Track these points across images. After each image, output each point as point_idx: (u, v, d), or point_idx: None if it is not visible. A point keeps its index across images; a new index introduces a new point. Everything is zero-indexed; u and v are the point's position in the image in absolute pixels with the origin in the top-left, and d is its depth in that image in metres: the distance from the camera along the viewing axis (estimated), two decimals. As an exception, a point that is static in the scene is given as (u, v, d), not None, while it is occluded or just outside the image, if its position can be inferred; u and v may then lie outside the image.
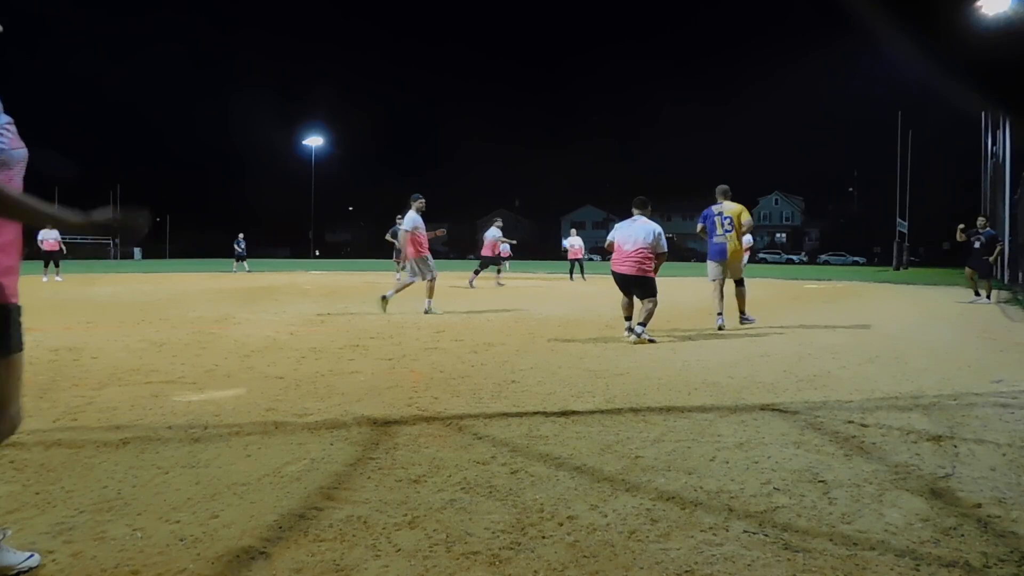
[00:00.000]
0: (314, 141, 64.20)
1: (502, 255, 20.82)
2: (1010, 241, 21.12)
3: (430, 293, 10.37)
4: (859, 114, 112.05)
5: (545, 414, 4.18)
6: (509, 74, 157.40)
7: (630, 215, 7.82)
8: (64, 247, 21.36)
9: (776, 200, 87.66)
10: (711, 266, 8.98)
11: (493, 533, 2.43)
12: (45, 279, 19.10)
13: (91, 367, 5.66)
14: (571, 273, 22.00)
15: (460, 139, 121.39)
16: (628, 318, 7.70)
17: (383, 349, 6.78)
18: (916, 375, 5.54)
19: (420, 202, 10.49)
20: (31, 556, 2.16)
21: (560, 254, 28.20)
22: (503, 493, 2.83)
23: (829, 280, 24.74)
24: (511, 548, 2.31)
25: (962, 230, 13.95)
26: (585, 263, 22.03)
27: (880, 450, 3.48)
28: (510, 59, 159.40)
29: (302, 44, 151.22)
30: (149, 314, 10.23)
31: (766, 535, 2.42)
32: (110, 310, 10.94)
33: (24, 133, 2.02)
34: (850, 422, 4.03)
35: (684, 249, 68.37)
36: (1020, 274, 19.74)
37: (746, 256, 10.18)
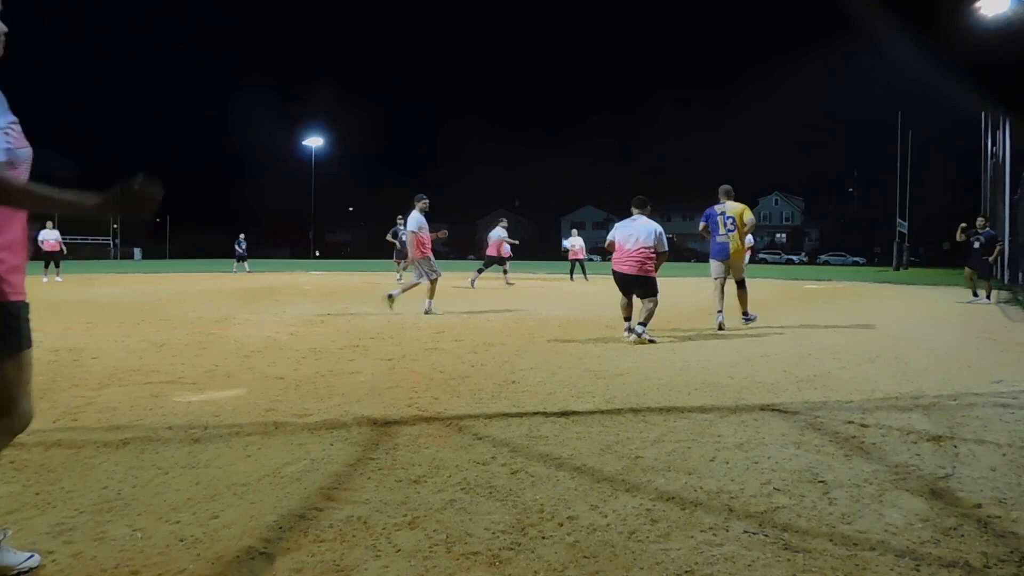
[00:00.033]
0: (314, 142, 64.19)
1: (504, 255, 20.82)
2: (1010, 241, 21.13)
3: (431, 294, 10.37)
4: (859, 114, 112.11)
5: (545, 414, 4.18)
6: (509, 74, 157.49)
7: (630, 215, 7.83)
8: (64, 248, 21.38)
9: (776, 200, 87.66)
10: (714, 264, 8.99)
11: (493, 533, 2.43)
12: (45, 279, 19.10)
13: (91, 367, 5.66)
14: (571, 273, 21.99)
15: (460, 139, 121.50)
16: (627, 319, 7.70)
17: (383, 349, 6.78)
18: (916, 375, 5.54)
19: (424, 202, 10.50)
20: (31, 556, 2.16)
21: (560, 254, 28.18)
22: (503, 493, 2.83)
23: (829, 280, 24.74)
24: (511, 548, 2.31)
25: (963, 230, 13.95)
26: (586, 263, 22.02)
27: (880, 450, 3.48)
28: (510, 59, 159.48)
29: (302, 44, 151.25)
30: (149, 314, 10.23)
31: (766, 535, 2.42)
32: (110, 310, 10.94)
33: (25, 133, 2.03)
34: (850, 422, 4.03)
35: (684, 249, 68.38)
36: (1020, 274, 19.75)
37: (747, 256, 10.18)
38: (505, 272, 18.73)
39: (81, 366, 5.70)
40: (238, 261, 27.89)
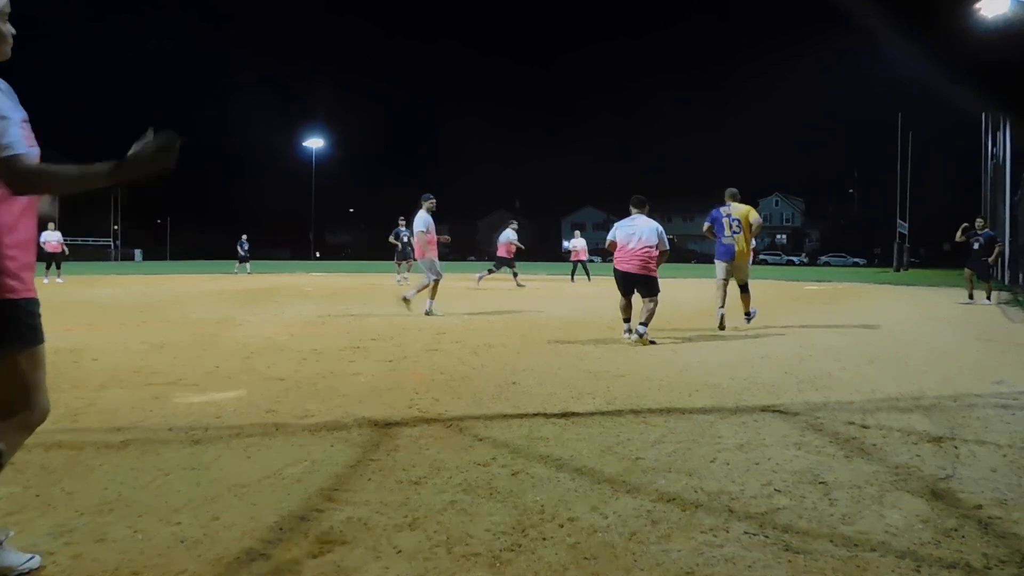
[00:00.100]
0: (314, 143, 64.24)
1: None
2: (1010, 242, 21.12)
3: (432, 294, 10.37)
4: (859, 115, 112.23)
5: (546, 416, 4.18)
6: (506, 72, 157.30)
7: (628, 215, 7.85)
8: (66, 248, 21.41)
9: (776, 201, 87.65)
10: (719, 265, 9.01)
11: (494, 535, 2.43)
12: (46, 280, 19.11)
13: (92, 369, 5.66)
14: (572, 274, 21.99)
15: (460, 139, 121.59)
16: (627, 320, 7.71)
17: (384, 351, 6.78)
18: (917, 376, 5.54)
19: (431, 202, 10.49)
20: (32, 558, 2.16)
21: (560, 255, 28.20)
22: (504, 494, 2.83)
23: (829, 281, 24.74)
24: (512, 549, 2.31)
25: (964, 230, 13.94)
26: (588, 264, 22.01)
27: (881, 451, 3.48)
28: (505, 56, 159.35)
29: (296, 41, 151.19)
30: (150, 316, 10.23)
31: (767, 536, 2.42)
32: (111, 312, 10.94)
33: None
34: (851, 423, 4.03)
35: (685, 250, 68.35)
36: (1021, 275, 19.75)
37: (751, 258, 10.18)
38: (515, 274, 18.73)
39: (82, 367, 5.70)
40: (240, 262, 27.87)
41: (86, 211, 57.09)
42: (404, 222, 19.69)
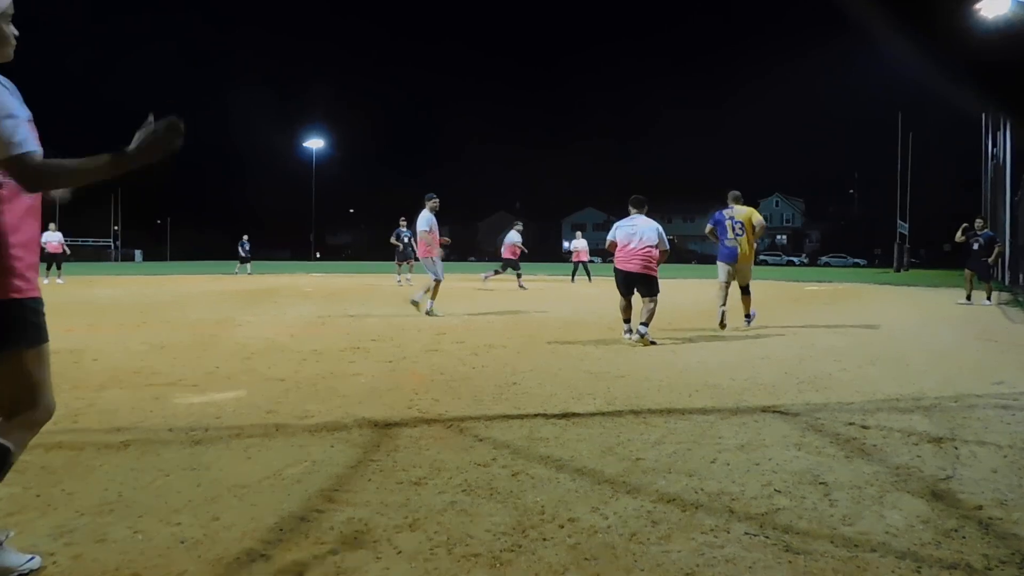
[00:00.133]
0: (315, 143, 64.24)
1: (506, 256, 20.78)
2: (1011, 243, 21.11)
3: (433, 295, 10.37)
4: (859, 115, 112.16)
5: (546, 416, 4.18)
6: (507, 73, 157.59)
7: (628, 215, 7.88)
8: (67, 249, 21.42)
9: (776, 202, 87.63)
10: (721, 268, 9.05)
11: (494, 535, 2.43)
12: (46, 281, 19.11)
13: (92, 369, 5.66)
14: (573, 275, 21.99)
15: (460, 140, 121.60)
16: (627, 320, 7.73)
17: (384, 351, 6.78)
18: (917, 377, 5.53)
19: (434, 202, 10.50)
20: (32, 558, 2.16)
21: (560, 255, 28.21)
22: (504, 495, 2.83)
23: (830, 282, 24.74)
24: (512, 550, 2.31)
25: (964, 230, 13.94)
26: (589, 265, 22.01)
27: (881, 452, 3.48)
28: (508, 57, 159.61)
29: (299, 43, 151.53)
30: (150, 316, 10.23)
31: (767, 537, 2.42)
32: (111, 312, 10.94)
33: None
34: (851, 424, 4.03)
35: (685, 251, 68.33)
36: (1021, 275, 19.74)
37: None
38: (519, 275, 18.73)
39: (82, 368, 5.70)
40: (241, 262, 27.86)
41: (86, 212, 57.12)
42: (405, 222, 19.67)
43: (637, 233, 7.61)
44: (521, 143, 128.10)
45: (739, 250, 8.85)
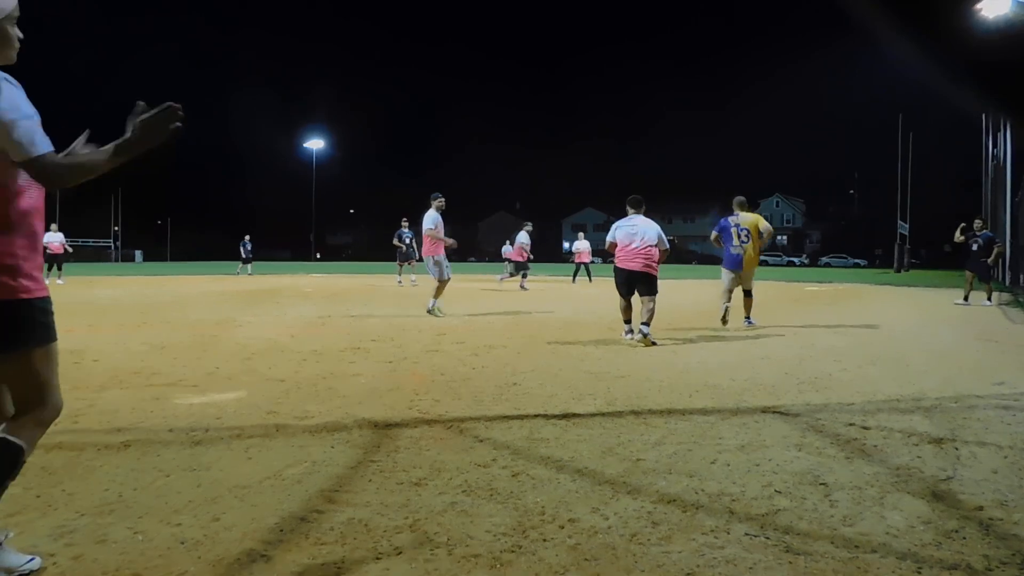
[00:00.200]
0: (315, 144, 64.25)
1: (505, 256, 20.80)
2: (1011, 243, 21.10)
3: (437, 293, 10.37)
4: (860, 115, 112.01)
5: (546, 417, 4.18)
6: (509, 74, 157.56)
7: (626, 216, 7.92)
8: (69, 248, 21.43)
9: (777, 202, 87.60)
10: (725, 275, 9.16)
11: (494, 536, 2.43)
12: (47, 281, 19.11)
13: (92, 369, 5.66)
14: (574, 275, 21.98)
15: (461, 140, 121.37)
16: (627, 321, 7.75)
17: (384, 351, 6.78)
18: (917, 377, 5.53)
19: (440, 201, 10.50)
20: (32, 559, 2.16)
21: (560, 256, 28.20)
22: (504, 496, 2.83)
23: (830, 282, 24.74)
24: (512, 551, 2.31)
25: (962, 230, 13.93)
26: (590, 266, 22.00)
27: (882, 452, 3.47)
28: (510, 59, 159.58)
29: (302, 44, 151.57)
30: (150, 316, 10.24)
31: (767, 538, 2.42)
32: (111, 312, 10.95)
33: None
34: (851, 424, 4.03)
35: (686, 251, 68.31)
36: (1021, 276, 19.72)
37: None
38: (524, 276, 18.72)
39: (82, 368, 5.70)
40: (243, 263, 27.87)
41: (86, 212, 57.14)
42: (407, 223, 19.66)
43: (638, 233, 7.66)
44: (521, 143, 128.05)
45: (744, 257, 8.95)
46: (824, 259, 66.83)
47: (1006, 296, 16.45)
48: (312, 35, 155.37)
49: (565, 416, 4.19)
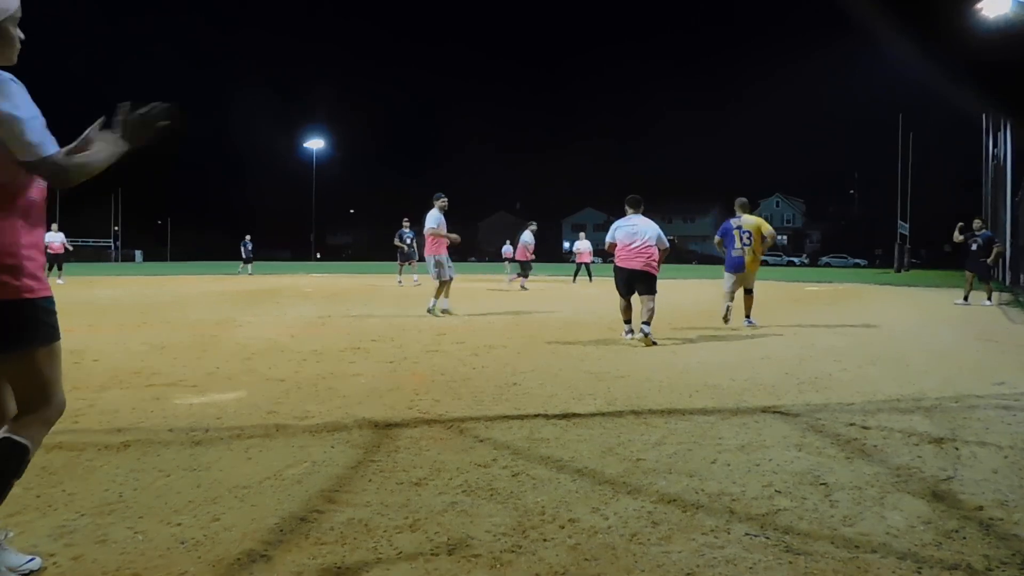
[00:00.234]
0: (315, 144, 64.24)
1: (505, 256, 20.76)
2: (1011, 243, 21.09)
3: (438, 293, 10.37)
4: (860, 115, 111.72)
5: (546, 417, 4.18)
6: (509, 74, 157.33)
7: (625, 215, 7.94)
8: (69, 245, 21.44)
9: (777, 202, 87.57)
10: (728, 278, 9.24)
11: (494, 536, 2.43)
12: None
13: (92, 370, 5.66)
14: (575, 275, 21.98)
15: (461, 140, 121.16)
16: (627, 321, 7.76)
17: (384, 352, 6.78)
18: (918, 377, 5.53)
19: (443, 201, 10.50)
20: (32, 559, 2.16)
21: (561, 256, 28.17)
22: (504, 496, 2.83)
23: (830, 282, 24.74)
24: (512, 551, 2.31)
25: (960, 229, 13.92)
26: (591, 267, 21.99)
27: (882, 452, 3.47)
28: (510, 59, 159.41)
29: (302, 44, 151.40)
30: (150, 317, 10.24)
31: (768, 538, 2.42)
32: (111, 312, 10.95)
33: None
34: (852, 424, 4.03)
35: (686, 251, 68.30)
36: (1022, 276, 19.72)
37: None
38: (525, 276, 18.71)
39: (82, 368, 5.70)
40: (244, 262, 27.89)
41: (86, 212, 57.15)
42: (408, 223, 19.64)
43: (638, 232, 7.69)
44: (522, 143, 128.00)
45: (745, 259, 9.04)
46: (824, 259, 66.84)
47: (1006, 296, 16.45)
48: (312, 35, 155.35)
49: (565, 416, 4.19)
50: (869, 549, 2.33)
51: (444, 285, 10.36)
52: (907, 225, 43.26)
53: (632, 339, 7.54)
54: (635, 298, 7.71)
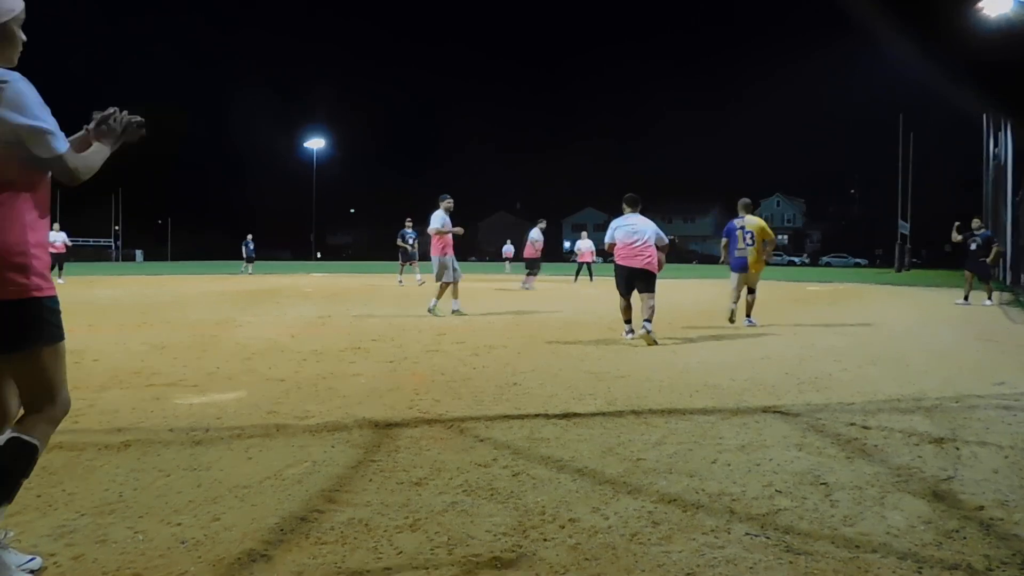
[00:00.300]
0: (315, 143, 64.22)
1: (506, 256, 20.78)
2: (1012, 243, 21.09)
3: (439, 294, 10.36)
4: (860, 115, 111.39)
5: (546, 416, 4.18)
6: (509, 74, 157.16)
7: (622, 214, 7.95)
8: (69, 242, 21.44)
9: (778, 202, 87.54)
10: (733, 278, 9.29)
11: (495, 536, 2.43)
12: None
13: (92, 370, 5.66)
14: (576, 275, 21.98)
15: (461, 140, 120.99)
16: (627, 320, 7.76)
17: (384, 351, 6.78)
18: (918, 377, 5.53)
19: (448, 202, 10.53)
20: (32, 559, 2.16)
21: (561, 256, 28.16)
22: (505, 496, 2.83)
23: (831, 282, 24.73)
24: (513, 551, 2.31)
25: (958, 228, 13.92)
26: (593, 266, 21.98)
27: (882, 452, 3.47)
28: (510, 59, 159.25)
29: (302, 44, 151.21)
30: (150, 316, 10.24)
31: (768, 537, 2.42)
32: (111, 312, 10.95)
33: None
34: (852, 424, 4.03)
35: (686, 251, 68.30)
36: (1022, 276, 19.71)
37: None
38: (528, 275, 18.69)
39: (82, 368, 5.70)
40: (246, 262, 27.90)
41: (87, 211, 57.14)
42: (410, 223, 19.62)
43: (638, 231, 7.72)
44: (522, 143, 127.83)
45: (748, 259, 9.12)
46: (825, 259, 66.80)
47: (1006, 296, 16.45)
48: (312, 35, 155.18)
49: (565, 416, 4.19)
50: (869, 549, 2.33)
51: (445, 287, 10.34)
52: (907, 225, 43.24)
53: (632, 339, 7.54)
54: (635, 298, 7.71)
